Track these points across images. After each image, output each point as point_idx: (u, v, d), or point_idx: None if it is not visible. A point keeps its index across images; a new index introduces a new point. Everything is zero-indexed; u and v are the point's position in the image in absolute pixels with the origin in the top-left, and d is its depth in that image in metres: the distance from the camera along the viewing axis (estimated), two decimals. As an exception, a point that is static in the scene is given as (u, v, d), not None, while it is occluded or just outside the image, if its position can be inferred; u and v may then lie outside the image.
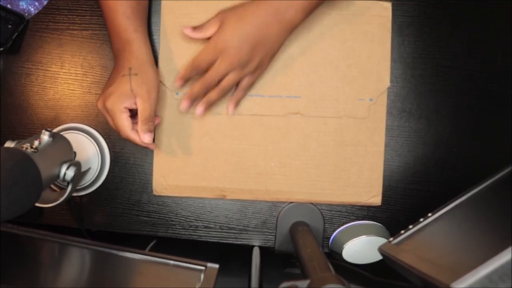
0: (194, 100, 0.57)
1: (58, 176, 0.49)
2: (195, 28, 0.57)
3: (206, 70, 0.55)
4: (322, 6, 0.59)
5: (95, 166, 0.62)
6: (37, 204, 0.46)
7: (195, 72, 0.56)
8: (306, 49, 0.61)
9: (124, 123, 0.54)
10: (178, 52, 0.61)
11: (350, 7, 0.60)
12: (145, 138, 0.54)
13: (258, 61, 0.56)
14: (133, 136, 0.55)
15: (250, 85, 0.59)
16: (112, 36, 0.56)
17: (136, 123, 0.55)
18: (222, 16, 0.55)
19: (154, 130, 0.60)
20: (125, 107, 0.54)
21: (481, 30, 0.61)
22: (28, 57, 0.64)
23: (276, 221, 0.63)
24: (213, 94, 0.57)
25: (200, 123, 0.62)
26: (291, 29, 0.56)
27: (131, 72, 0.54)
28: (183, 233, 0.64)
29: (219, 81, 0.56)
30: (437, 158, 0.62)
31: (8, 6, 0.62)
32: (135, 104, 0.54)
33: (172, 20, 0.61)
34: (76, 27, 0.64)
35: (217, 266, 0.45)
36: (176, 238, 0.65)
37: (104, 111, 0.56)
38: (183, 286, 0.42)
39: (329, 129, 0.61)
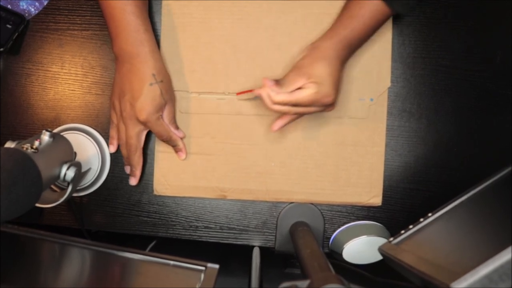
0: (283, 120, 0.57)
1: (58, 176, 0.49)
2: (277, 81, 0.53)
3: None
4: (323, 6, 0.59)
5: (95, 166, 0.62)
6: (37, 205, 0.46)
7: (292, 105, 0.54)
8: (306, 49, 0.61)
9: (165, 126, 0.58)
10: (179, 52, 0.61)
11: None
12: (181, 133, 0.61)
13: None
14: (174, 135, 0.60)
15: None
16: (120, 37, 0.53)
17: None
18: (309, 71, 0.52)
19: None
20: (160, 114, 0.57)
21: (481, 30, 0.61)
22: (28, 57, 0.64)
23: (276, 221, 0.64)
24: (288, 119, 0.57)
25: (200, 123, 0.62)
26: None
27: (157, 80, 0.55)
28: (183, 233, 0.65)
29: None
30: (437, 158, 0.62)
31: (9, 6, 0.63)
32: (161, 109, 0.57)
33: (173, 20, 0.61)
34: (76, 28, 0.64)
35: (217, 266, 0.45)
36: (177, 239, 0.65)
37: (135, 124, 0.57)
38: (183, 286, 0.42)
39: (329, 129, 0.61)
